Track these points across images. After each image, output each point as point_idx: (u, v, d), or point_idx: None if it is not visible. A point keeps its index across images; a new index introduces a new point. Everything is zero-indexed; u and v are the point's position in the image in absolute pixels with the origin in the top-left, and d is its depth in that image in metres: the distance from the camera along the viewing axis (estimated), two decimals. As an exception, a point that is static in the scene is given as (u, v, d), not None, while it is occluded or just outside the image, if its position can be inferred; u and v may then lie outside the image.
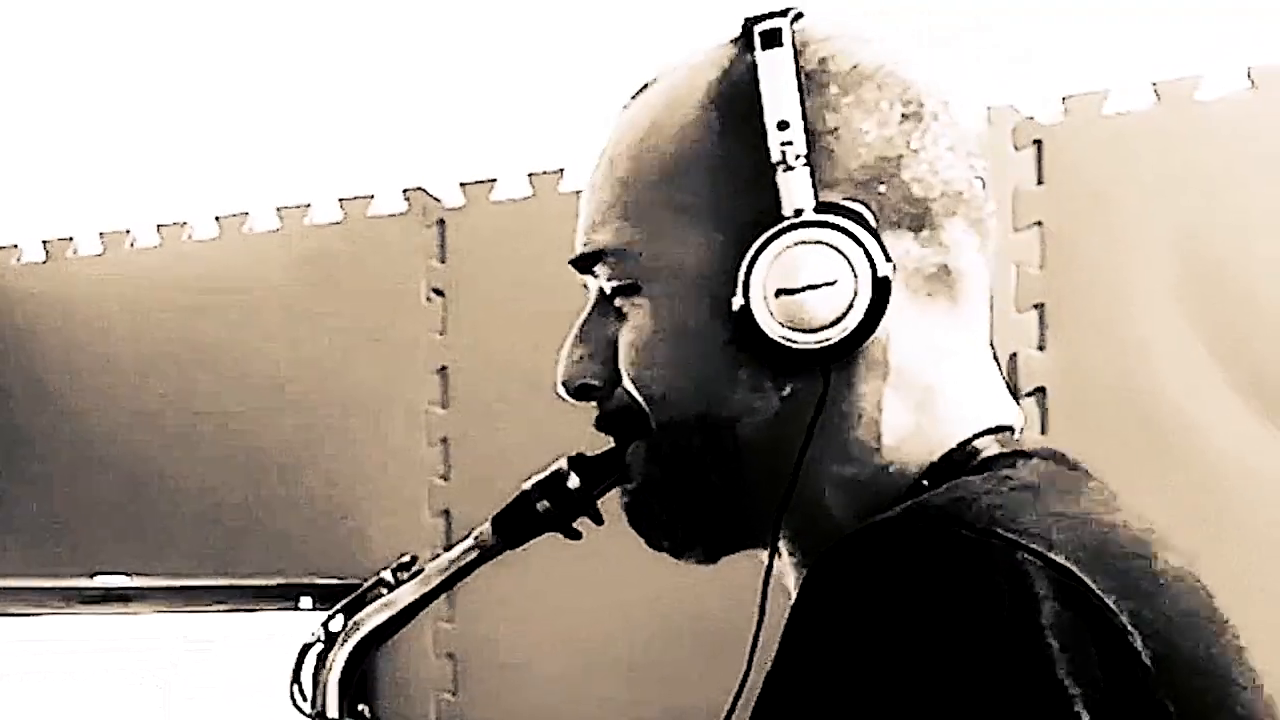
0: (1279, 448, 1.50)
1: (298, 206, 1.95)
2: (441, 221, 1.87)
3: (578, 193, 1.77)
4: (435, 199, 1.88)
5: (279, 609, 1.68)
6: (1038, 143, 1.60)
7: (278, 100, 2.24)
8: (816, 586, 0.79)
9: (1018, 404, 0.93)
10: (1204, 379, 1.52)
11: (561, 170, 1.79)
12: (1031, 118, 1.60)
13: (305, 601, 1.68)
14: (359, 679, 1.07)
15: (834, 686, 0.74)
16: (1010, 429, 0.91)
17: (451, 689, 1.85)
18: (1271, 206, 1.51)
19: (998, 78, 1.70)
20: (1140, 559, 0.79)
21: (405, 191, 1.88)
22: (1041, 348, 1.58)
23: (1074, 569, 0.73)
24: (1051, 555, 0.73)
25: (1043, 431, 1.57)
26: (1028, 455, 0.88)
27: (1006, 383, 0.94)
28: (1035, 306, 1.58)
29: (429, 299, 1.87)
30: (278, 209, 1.96)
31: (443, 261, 1.87)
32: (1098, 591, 0.73)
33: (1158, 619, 0.75)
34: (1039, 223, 1.58)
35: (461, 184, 1.86)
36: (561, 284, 1.63)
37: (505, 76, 2.11)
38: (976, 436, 0.88)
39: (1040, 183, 1.59)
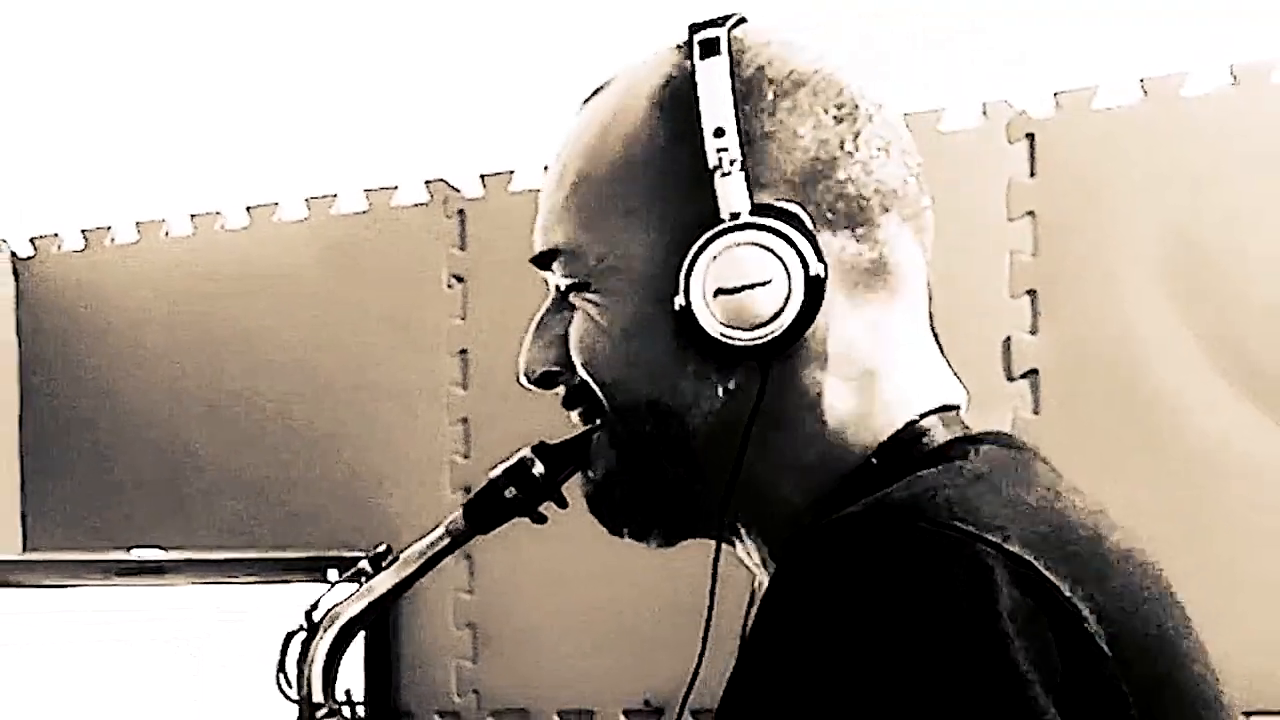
0: (1260, 428, 1.51)
1: (325, 197, 1.96)
2: (462, 211, 1.88)
3: None
4: (456, 190, 1.88)
5: (307, 580, 1.68)
6: (1030, 136, 1.60)
7: (306, 96, 2.23)
8: (786, 579, 0.80)
9: (962, 383, 0.94)
10: (1189, 361, 1.53)
11: None
12: (1024, 113, 1.60)
13: (332, 574, 1.59)
14: (377, 650, 1.12)
15: (803, 674, 0.75)
16: (955, 407, 0.93)
17: (471, 657, 1.85)
18: (1254, 197, 1.52)
19: (993, 75, 1.71)
20: (1091, 542, 0.80)
21: (427, 182, 1.89)
22: (1034, 332, 1.59)
23: (1030, 558, 0.74)
24: (1008, 546, 0.74)
25: (1035, 412, 1.58)
26: (978, 441, 0.89)
27: (948, 362, 0.95)
28: (1028, 292, 1.59)
29: (450, 285, 1.87)
30: (306, 199, 1.97)
31: (463, 249, 1.87)
32: (1052, 579, 0.74)
33: (1110, 601, 0.76)
34: (1031, 213, 1.59)
35: (481, 175, 1.87)
36: None
37: (522, 75, 2.11)
38: (922, 416, 0.90)
39: (1033, 175, 1.59)
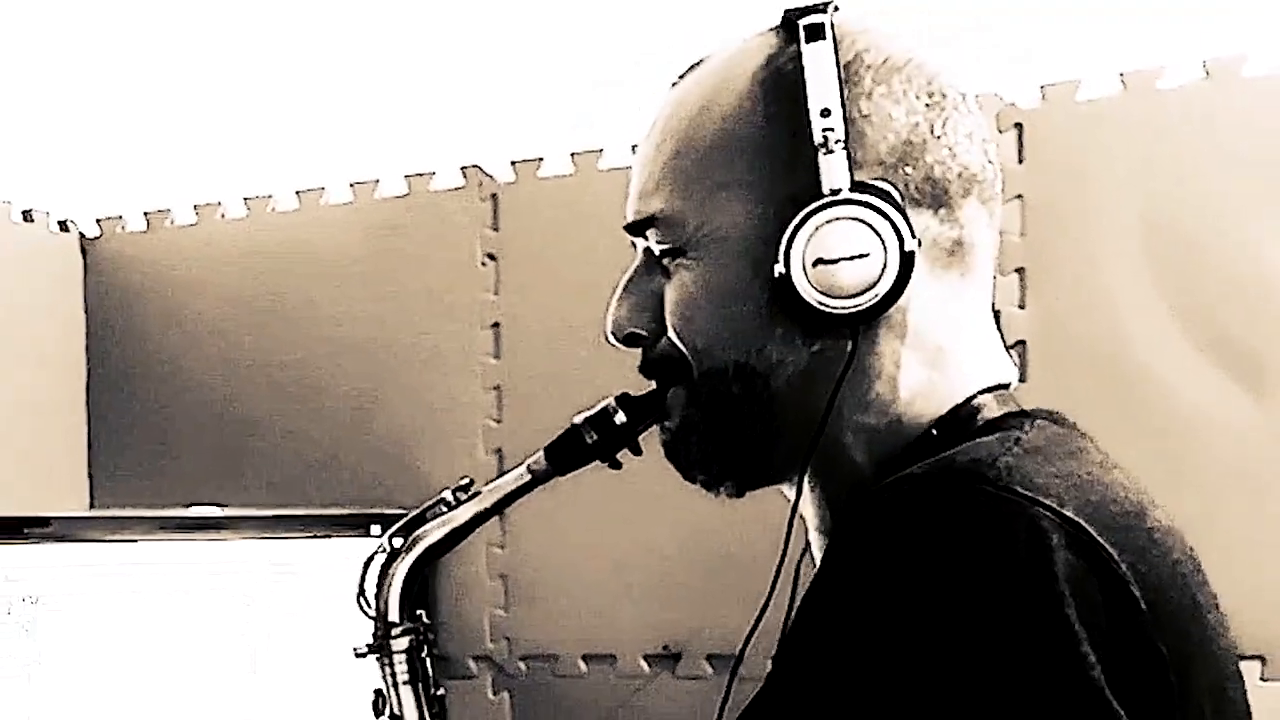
0: (1227, 392, 1.52)
1: (368, 182, 1.96)
2: (495, 195, 1.88)
3: (614, 170, 1.86)
4: (489, 175, 1.88)
5: (352, 536, 1.70)
6: (1019, 126, 1.60)
7: (353, 89, 2.24)
8: (852, 533, 0.80)
9: (1013, 363, 0.94)
10: (1163, 332, 1.54)
11: (600, 150, 1.80)
12: (1013, 104, 1.61)
13: (375, 529, 1.69)
14: (419, 590, 1.09)
15: (866, 625, 0.74)
16: (1006, 386, 0.93)
17: (503, 606, 1.86)
18: (1223, 183, 1.52)
19: (986, 70, 1.59)
20: (1135, 516, 0.80)
21: (463, 169, 1.89)
22: (1022, 306, 1.60)
23: (1083, 523, 0.73)
24: (1063, 511, 0.73)
25: (1022, 380, 1.47)
26: (1030, 416, 0.89)
27: (1005, 342, 0.94)
28: (1017, 270, 1.60)
29: (483, 263, 1.88)
30: (351, 184, 1.97)
31: (495, 230, 1.88)
32: (1103, 544, 0.73)
33: (1151, 571, 0.76)
34: (1020, 196, 1.59)
35: (512, 162, 1.87)
36: (600, 250, 1.60)
37: (552, 69, 2.11)
38: (979, 394, 0.90)
39: (1021, 161, 1.60)
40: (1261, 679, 1.49)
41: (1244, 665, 1.42)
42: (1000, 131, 1.60)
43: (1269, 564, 1.49)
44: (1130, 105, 1.56)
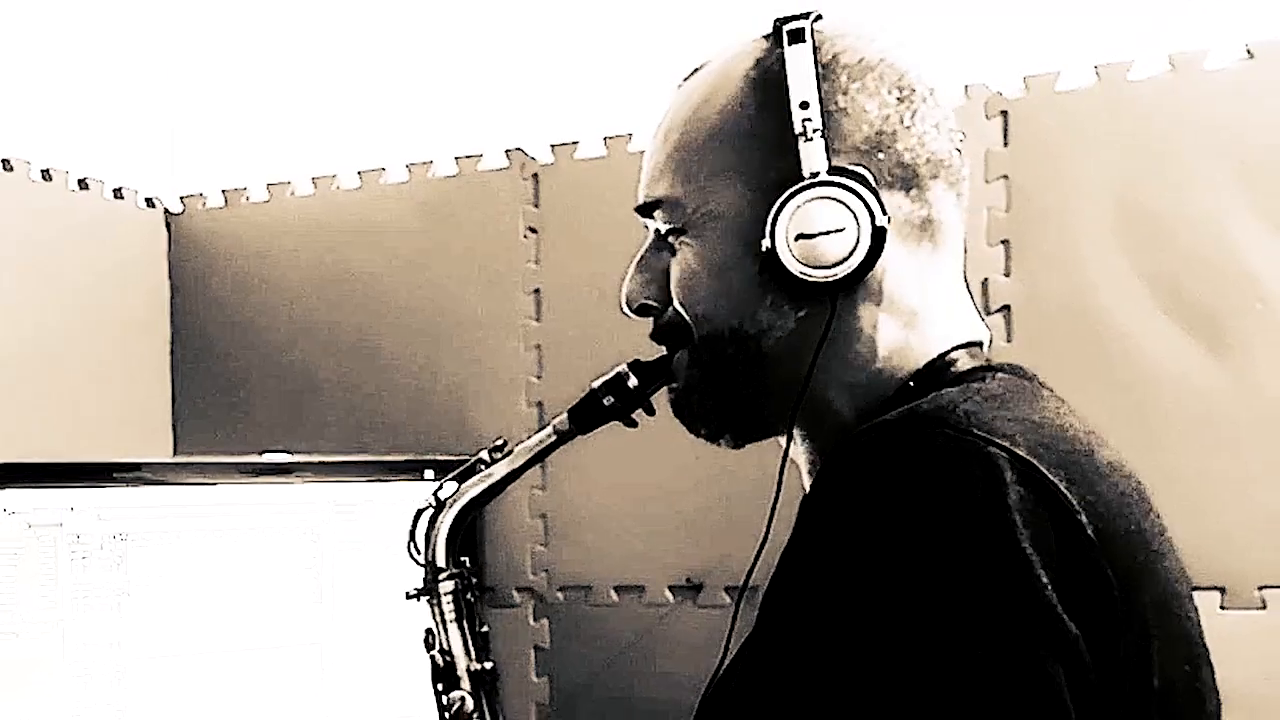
0: (1191, 352, 1.53)
1: (423, 163, 1.97)
2: (535, 175, 1.89)
3: (642, 152, 1.85)
4: (531, 157, 1.90)
5: (407, 479, 1.71)
6: (1004, 113, 1.61)
7: (410, 80, 2.23)
8: (832, 472, 0.80)
9: (985, 323, 0.96)
10: (1133, 299, 1.55)
11: (630, 135, 1.82)
12: (1000, 93, 1.61)
13: (428, 474, 1.71)
14: (465, 535, 1.11)
15: (843, 551, 0.76)
16: (979, 344, 0.95)
17: (543, 542, 1.88)
18: (1186, 163, 1.53)
19: (974, 61, 1.69)
20: (1084, 454, 0.81)
21: (507, 151, 1.92)
22: (1007, 275, 1.60)
23: (1034, 461, 0.75)
24: (1016, 450, 0.75)
25: (1008, 340, 1.60)
26: (994, 369, 0.90)
27: (976, 306, 0.96)
28: (1002, 242, 1.61)
29: (525, 236, 1.90)
30: (407, 165, 1.99)
31: (536, 206, 1.90)
32: (1052, 479, 0.75)
33: (1098, 501, 0.77)
34: (1005, 176, 1.60)
35: (551, 145, 1.89)
36: (629, 224, 1.65)
37: (588, 63, 2.10)
38: (952, 350, 0.92)
39: (1006, 144, 1.61)
40: (1221, 608, 1.49)
41: (1205, 595, 1.45)
42: (987, 118, 1.61)
43: (1227, 504, 1.50)
44: (1104, 94, 1.56)
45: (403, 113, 2.23)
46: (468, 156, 1.96)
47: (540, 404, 1.89)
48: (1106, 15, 1.74)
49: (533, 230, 1.91)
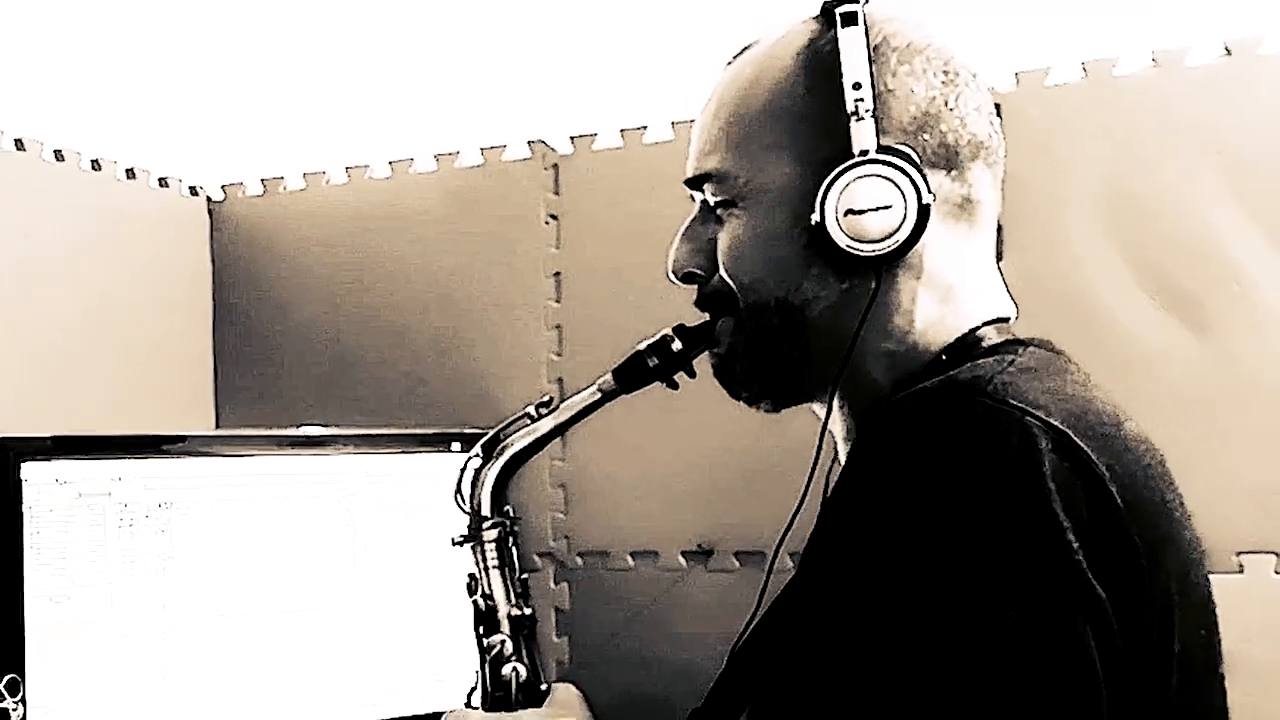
0: (1173, 330, 1.53)
1: (450, 153, 1.98)
2: (556, 165, 1.90)
3: (657, 144, 1.80)
4: (552, 148, 1.91)
5: (435, 452, 1.72)
6: (996, 106, 1.40)
7: (438, 74, 2.23)
8: (874, 435, 0.81)
9: (1013, 299, 0.97)
10: (1118, 281, 1.55)
11: (645, 127, 1.82)
12: (991, 87, 1.39)
13: (455, 446, 1.72)
14: (506, 490, 1.12)
15: (882, 516, 0.76)
16: (1006, 319, 0.96)
17: (563, 510, 1.89)
18: (1168, 154, 1.53)
19: (968, 57, 1.59)
20: (1112, 426, 0.82)
21: (529, 142, 1.92)
22: (999, 259, 1.51)
23: (1067, 431, 0.76)
24: (1050, 420, 0.75)
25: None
26: (1025, 343, 0.91)
27: (1005, 282, 0.97)
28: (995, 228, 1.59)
29: (546, 222, 1.91)
30: (435, 155, 1.99)
31: (557, 194, 1.90)
32: (1085, 449, 0.75)
33: (1125, 471, 0.78)
34: None
35: (571, 137, 1.89)
36: (645, 211, 1.70)
37: (606, 58, 2.11)
38: (983, 325, 0.93)
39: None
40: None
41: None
42: (982, 110, 1.64)
43: (1208, 474, 1.50)
44: (1090, 89, 1.57)
45: (431, 106, 2.23)
46: (492, 147, 1.96)
47: (560, 380, 1.90)
48: (1093, 14, 1.74)
49: (553, 217, 1.91)
